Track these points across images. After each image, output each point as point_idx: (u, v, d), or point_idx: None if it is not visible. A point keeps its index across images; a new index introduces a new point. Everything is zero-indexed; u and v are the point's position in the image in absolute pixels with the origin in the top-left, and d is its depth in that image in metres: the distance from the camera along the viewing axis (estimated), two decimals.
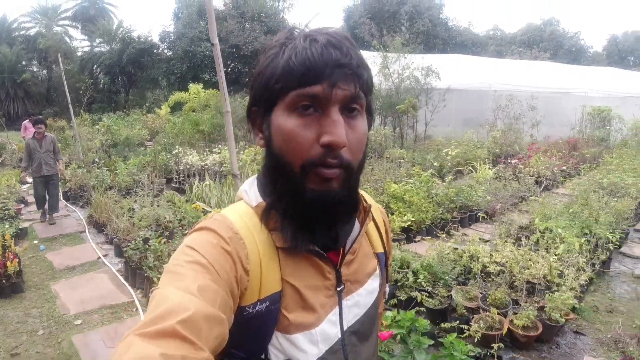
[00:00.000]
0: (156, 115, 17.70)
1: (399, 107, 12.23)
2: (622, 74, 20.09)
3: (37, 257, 5.67)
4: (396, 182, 7.22)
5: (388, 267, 1.07)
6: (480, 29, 49.90)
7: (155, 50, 25.88)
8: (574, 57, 37.59)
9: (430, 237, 5.08)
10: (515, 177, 8.36)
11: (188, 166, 8.89)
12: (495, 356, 3.07)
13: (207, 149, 9.81)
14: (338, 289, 0.87)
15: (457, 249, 4.63)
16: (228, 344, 0.69)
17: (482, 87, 14.24)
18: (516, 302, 3.81)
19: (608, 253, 5.12)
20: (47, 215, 7.06)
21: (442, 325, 3.27)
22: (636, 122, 13.03)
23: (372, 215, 0.98)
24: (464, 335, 3.23)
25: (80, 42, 32.11)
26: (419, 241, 5.17)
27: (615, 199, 6.67)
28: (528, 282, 4.08)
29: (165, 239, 4.66)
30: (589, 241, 5.05)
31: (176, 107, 14.80)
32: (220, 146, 9.91)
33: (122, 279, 4.82)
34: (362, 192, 0.91)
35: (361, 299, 0.92)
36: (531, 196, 7.09)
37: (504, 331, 3.31)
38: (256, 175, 0.90)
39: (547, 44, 38.49)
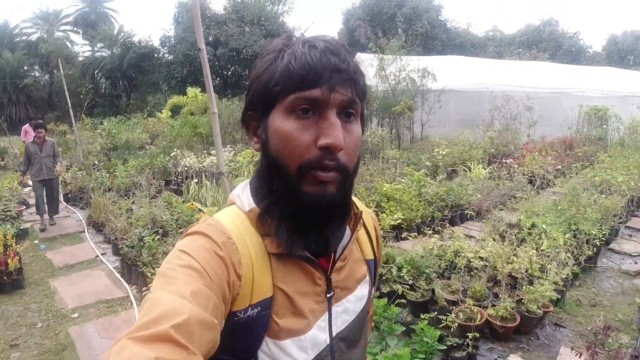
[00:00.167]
0: (157, 119, 17.89)
1: (395, 109, 12.37)
2: (620, 74, 20.14)
3: (37, 255, 5.85)
4: (389, 181, 7.37)
5: (377, 273, 1.07)
6: (479, 30, 50.12)
7: (155, 55, 26.11)
8: (573, 57, 37.63)
9: (419, 235, 5.21)
10: (510, 176, 8.47)
11: (186, 168, 9.06)
12: (471, 345, 3.20)
13: (204, 151, 9.98)
14: (328, 295, 0.87)
15: (442, 245, 4.77)
16: (217, 348, 0.70)
17: (480, 88, 14.36)
18: (497, 295, 3.94)
19: (594, 249, 5.21)
20: (48, 217, 7.13)
21: (422, 316, 3.40)
22: (633, 121, 13.13)
23: (363, 222, 0.99)
24: (441, 325, 3.36)
25: (81, 47, 32.61)
26: (405, 238, 5.30)
27: (603, 196, 6.77)
28: (511, 276, 4.22)
29: (159, 237, 4.83)
30: (576, 237, 5.15)
31: (177, 111, 15.00)
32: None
33: (118, 275, 5.00)
34: (353, 198, 0.92)
35: (350, 305, 0.93)
36: (523, 194, 7.20)
37: (478, 321, 3.44)
38: (248, 180, 0.90)
39: (546, 44, 38.57)
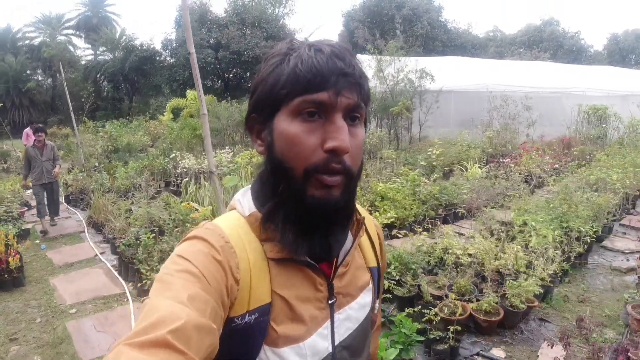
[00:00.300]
0: (158, 122, 18.04)
1: (393, 110, 12.47)
2: (621, 73, 20.11)
3: (38, 255, 6.01)
4: (385, 181, 7.48)
5: (380, 282, 1.07)
6: (480, 30, 50.09)
7: (157, 58, 26.26)
8: (574, 56, 37.56)
9: (410, 233, 5.32)
10: (506, 175, 8.54)
11: (185, 169, 9.19)
12: (451, 338, 3.30)
13: (203, 153, 10.10)
14: (330, 302, 0.86)
15: (433, 243, 4.87)
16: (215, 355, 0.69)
17: (480, 88, 14.37)
18: (482, 291, 4.03)
19: (585, 246, 5.26)
20: (49, 219, 7.21)
21: (407, 310, 3.51)
22: (633, 120, 13.13)
23: (366, 229, 0.99)
24: (425, 319, 3.47)
25: (83, 51, 32.72)
26: (395, 235, 5.40)
27: (596, 193, 6.83)
28: (498, 272, 4.32)
29: (154, 235, 4.96)
30: (567, 234, 5.22)
31: (178, 113, 15.11)
32: (217, 150, 10.20)
33: (115, 273, 5.15)
34: (356, 205, 0.90)
35: (353, 312, 0.92)
36: (515, 193, 7.29)
37: (461, 315, 3.54)
38: (249, 185, 0.90)
39: (547, 44, 38.47)
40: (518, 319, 3.87)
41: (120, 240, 5.34)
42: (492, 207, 6.24)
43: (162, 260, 4.45)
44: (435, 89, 13.31)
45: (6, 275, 4.83)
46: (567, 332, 3.80)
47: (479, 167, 9.68)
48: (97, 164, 10.41)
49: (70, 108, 10.32)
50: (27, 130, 10.99)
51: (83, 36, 33.52)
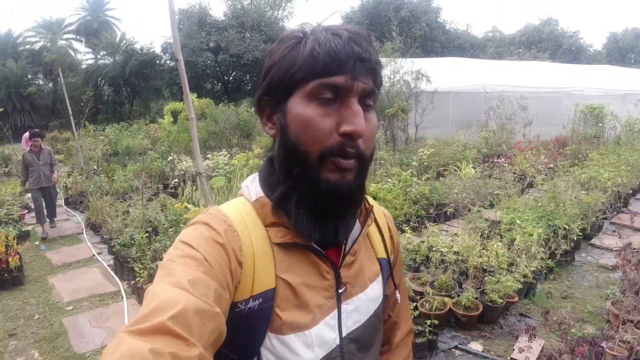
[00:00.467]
0: (158, 125, 18.17)
1: (389, 111, 12.59)
2: (619, 72, 20.16)
3: (37, 255, 6.20)
4: (377, 182, 7.61)
5: (394, 274, 1.04)
6: (478, 31, 50.17)
7: (157, 61, 26.40)
8: (573, 56, 37.64)
9: (399, 232, 5.46)
10: (500, 175, 8.60)
11: (182, 172, 9.34)
12: (428, 332, 3.42)
13: (201, 155, 10.23)
14: (338, 291, 0.85)
15: (420, 241, 5.01)
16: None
17: (477, 89, 14.46)
18: (462, 286, 4.18)
19: (572, 243, 5.37)
20: (48, 221, 7.31)
21: None
22: (629, 118, 13.21)
23: (375, 219, 0.98)
24: None
25: (84, 55, 32.91)
26: None
27: (584, 192, 6.93)
28: (483, 269, 4.45)
29: (147, 235, 5.13)
30: (555, 232, 5.31)
31: (178, 117, 15.29)
32: (214, 153, 10.36)
33: (111, 272, 5.34)
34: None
35: (362, 304, 0.90)
36: (501, 192, 7.40)
37: (441, 310, 3.68)
38: (257, 173, 0.90)
39: (546, 43, 38.57)
40: (497, 314, 3.98)
41: (116, 241, 5.50)
42: (481, 206, 6.37)
43: (155, 259, 4.62)
44: (431, 90, 13.42)
45: (6, 275, 5.01)
46: (548, 328, 3.95)
47: (473, 167, 9.78)
48: (96, 167, 10.56)
49: (70, 112, 10.47)
50: (26, 135, 11.14)
51: (83, 40, 33.74)
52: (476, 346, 3.65)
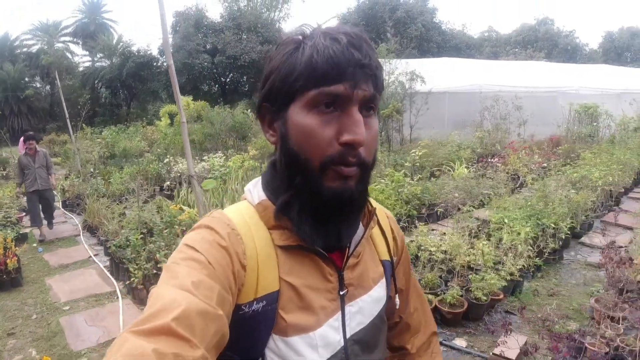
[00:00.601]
0: (156, 127, 18.24)
1: (383, 112, 12.68)
2: (615, 71, 20.26)
3: (35, 257, 6.31)
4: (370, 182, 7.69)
5: (396, 275, 1.03)
6: (474, 31, 50.29)
7: (154, 64, 26.48)
8: (569, 55, 37.81)
9: None
10: (494, 174, 8.66)
11: (179, 174, 9.44)
12: None
13: (197, 157, 10.35)
14: (341, 293, 0.85)
15: (410, 240, 5.11)
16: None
17: (473, 89, 14.52)
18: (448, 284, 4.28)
19: (560, 242, 5.46)
20: (46, 225, 7.31)
21: None
22: (624, 117, 13.31)
23: (378, 220, 0.98)
24: None
25: (81, 58, 32.97)
26: None
27: (574, 191, 7.02)
28: (470, 267, 4.56)
29: (142, 236, 5.25)
30: (544, 231, 5.40)
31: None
32: (210, 155, 10.45)
33: (107, 273, 5.45)
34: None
35: (366, 305, 0.90)
36: (492, 191, 7.50)
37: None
38: (260, 176, 0.91)
39: (542, 43, 38.72)
40: (482, 311, 4.07)
41: (112, 243, 5.61)
42: (471, 206, 6.47)
43: (149, 260, 4.73)
44: (426, 91, 13.51)
45: (4, 276, 5.12)
46: (532, 325, 4.05)
47: (467, 167, 9.87)
48: (92, 170, 10.67)
49: (67, 115, 10.55)
50: (23, 138, 11.21)
51: (80, 43, 33.81)
52: (460, 342, 3.75)
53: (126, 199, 7.91)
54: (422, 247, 4.77)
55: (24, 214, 8.36)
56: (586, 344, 3.26)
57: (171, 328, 0.60)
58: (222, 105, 13.97)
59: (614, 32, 43.58)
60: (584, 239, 6.27)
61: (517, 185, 8.67)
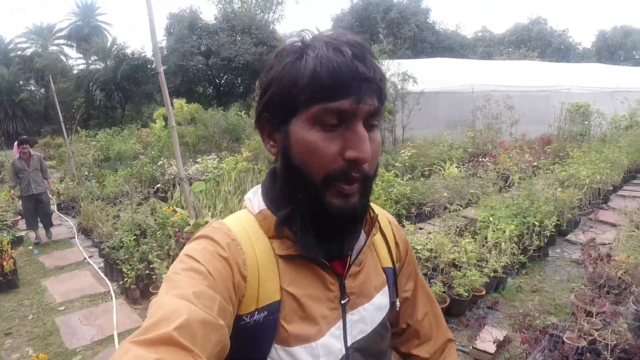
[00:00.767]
0: (150, 130, 18.27)
1: None
2: (607, 69, 20.41)
3: (31, 260, 6.44)
4: None
5: (398, 280, 1.02)
6: (468, 31, 50.54)
7: (149, 66, 26.45)
8: (562, 54, 38.09)
9: None
10: (485, 174, 8.82)
11: (172, 176, 9.53)
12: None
13: (190, 160, 10.46)
14: (342, 302, 0.85)
15: None
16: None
17: (465, 89, 14.60)
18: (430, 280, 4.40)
19: (545, 239, 5.56)
20: (44, 231, 7.29)
21: None
22: (615, 116, 13.42)
23: (380, 227, 0.97)
24: None
25: (75, 61, 33.08)
26: None
27: (560, 189, 7.14)
28: (454, 265, 4.69)
29: (136, 237, 5.37)
30: (529, 228, 5.51)
31: None
32: (204, 157, 10.56)
33: (102, 274, 5.58)
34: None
35: (368, 314, 0.89)
36: (479, 191, 7.62)
37: None
38: (260, 184, 0.90)
39: (535, 42, 38.97)
40: (464, 306, 4.18)
41: (106, 244, 5.73)
42: (458, 205, 6.60)
43: (142, 261, 4.85)
44: (418, 91, 13.61)
45: (1, 278, 5.25)
46: (513, 319, 4.17)
47: (457, 166, 9.98)
48: (87, 173, 10.76)
49: (61, 119, 10.60)
50: (17, 142, 11.23)
51: (75, 46, 33.88)
52: None
53: (120, 201, 8.02)
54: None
55: (20, 217, 8.46)
56: (564, 338, 3.38)
57: (173, 338, 0.60)
58: (215, 108, 14.07)
59: (607, 31, 43.85)
60: (570, 236, 6.37)
61: (507, 184, 8.74)
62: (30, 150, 7.24)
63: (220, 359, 0.68)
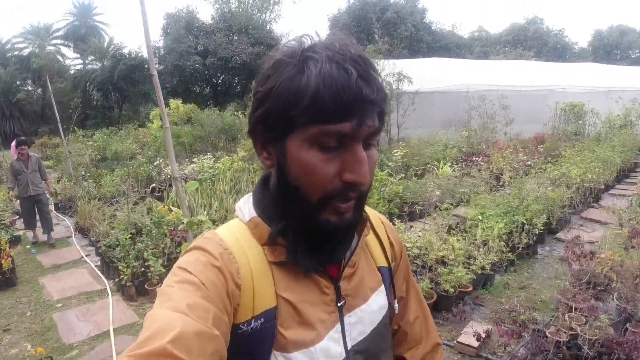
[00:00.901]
0: (147, 130, 18.32)
1: None
2: (603, 69, 20.44)
3: (28, 258, 6.55)
4: None
5: (395, 281, 1.02)
6: (464, 30, 50.62)
7: (145, 66, 26.45)
8: (559, 54, 38.21)
9: None
10: (479, 173, 8.90)
11: (169, 176, 9.62)
12: None
13: (187, 159, 10.55)
14: (338, 305, 0.85)
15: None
16: None
17: (461, 89, 14.69)
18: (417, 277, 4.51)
19: (534, 237, 5.67)
20: (46, 234, 7.23)
21: None
22: (610, 115, 13.50)
23: (373, 227, 0.97)
24: None
25: (72, 61, 33.22)
26: None
27: (550, 188, 7.25)
28: (443, 262, 4.80)
29: (131, 236, 5.49)
30: (520, 226, 5.63)
31: None
32: (200, 156, 10.66)
33: (98, 271, 5.70)
34: None
35: (366, 315, 0.89)
36: (468, 190, 7.72)
37: None
38: (251, 193, 0.89)
39: (532, 42, 39.13)
40: (451, 302, 4.27)
41: (103, 243, 5.83)
42: (449, 204, 6.70)
43: (137, 259, 4.97)
44: (413, 91, 13.68)
45: (0, 276, 5.35)
46: (498, 315, 4.27)
47: (450, 166, 10.08)
48: (84, 173, 10.85)
49: (58, 119, 10.67)
50: (13, 143, 11.25)
51: (72, 46, 33.92)
52: None
53: (117, 201, 8.13)
54: None
55: (17, 217, 8.54)
56: (547, 333, 3.49)
57: (168, 350, 0.59)
58: (212, 108, 14.17)
59: (603, 30, 44.08)
60: (559, 234, 6.46)
61: (500, 184, 8.82)
62: (29, 151, 7.23)
63: None
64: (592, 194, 8.02)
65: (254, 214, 0.84)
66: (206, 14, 60.75)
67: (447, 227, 5.69)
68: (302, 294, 0.81)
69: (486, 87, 14.37)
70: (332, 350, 0.82)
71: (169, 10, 31.84)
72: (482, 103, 13.68)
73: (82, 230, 7.42)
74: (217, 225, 5.79)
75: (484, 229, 5.47)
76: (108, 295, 4.96)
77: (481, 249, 5.01)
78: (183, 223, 3.62)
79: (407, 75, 13.65)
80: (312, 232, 0.77)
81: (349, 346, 0.85)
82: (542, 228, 5.91)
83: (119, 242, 5.31)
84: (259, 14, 30.96)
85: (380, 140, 14.01)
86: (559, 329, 3.39)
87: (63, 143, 11.40)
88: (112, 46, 27.70)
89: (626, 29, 42.52)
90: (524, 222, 5.76)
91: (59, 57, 31.05)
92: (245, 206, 0.86)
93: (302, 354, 0.79)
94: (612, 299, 3.95)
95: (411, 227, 6.38)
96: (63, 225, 8.27)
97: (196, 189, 8.20)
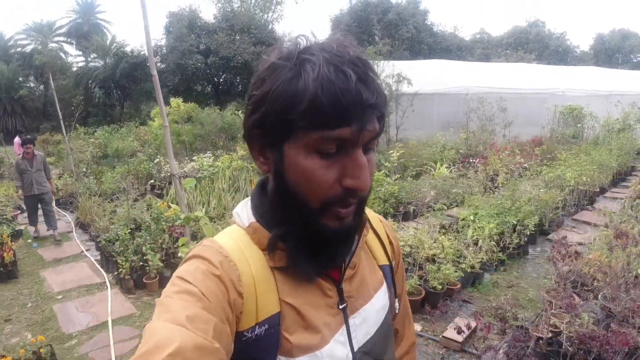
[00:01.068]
0: (149, 128, 18.43)
1: None
2: (603, 73, 20.48)
3: (30, 252, 6.70)
4: None
5: (395, 281, 1.02)
6: (466, 33, 50.63)
7: (147, 64, 26.51)
8: (560, 57, 38.19)
9: None
10: (475, 174, 9.03)
11: (168, 173, 9.75)
12: None
13: (187, 157, 10.67)
14: (341, 307, 0.84)
15: None
16: None
17: (460, 91, 14.70)
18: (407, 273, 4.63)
19: (525, 238, 5.79)
20: (51, 230, 7.22)
21: None
22: (609, 119, 13.58)
23: (372, 226, 0.96)
24: None
25: (75, 58, 33.17)
26: None
27: (543, 190, 7.37)
28: (433, 260, 4.92)
29: (130, 231, 5.63)
30: (511, 227, 5.75)
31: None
32: (200, 155, 10.77)
33: (98, 265, 5.86)
34: None
35: (370, 315, 0.89)
36: (461, 191, 7.83)
37: None
38: (249, 198, 0.88)
39: (533, 45, 39.09)
40: (439, 299, 4.39)
41: (103, 238, 5.97)
42: (443, 204, 6.81)
43: (136, 253, 5.12)
44: (412, 93, 13.75)
45: (1, 269, 5.51)
46: (485, 312, 4.39)
47: (447, 167, 10.18)
48: (85, 170, 10.99)
49: (60, 116, 10.77)
50: (17, 140, 11.32)
51: (74, 43, 34.08)
52: (415, 327, 4.08)
53: (117, 197, 8.27)
54: None
55: (19, 211, 8.68)
56: (531, 330, 3.61)
57: None
58: (212, 107, 14.28)
59: (605, 34, 43.91)
60: (551, 235, 6.54)
61: (495, 185, 8.92)
62: (34, 150, 7.21)
63: None
64: (587, 197, 8.12)
65: (252, 219, 0.83)
66: (209, 13, 60.91)
67: (439, 227, 5.81)
68: (305, 298, 0.80)
69: (486, 90, 14.43)
70: (338, 353, 0.82)
71: (171, 9, 31.97)
72: (481, 105, 13.73)
73: (82, 226, 7.57)
74: (215, 222, 5.93)
75: (475, 229, 5.58)
76: (107, 288, 5.11)
77: (471, 248, 5.13)
78: (180, 219, 3.74)
79: (406, 76, 13.73)
80: (312, 238, 0.76)
81: (356, 348, 0.85)
82: (533, 229, 6.01)
83: (119, 237, 5.45)
84: (261, 13, 31.05)
85: (379, 141, 14.09)
86: (539, 325, 3.51)
87: (65, 140, 11.51)
88: (115, 44, 27.76)
89: (628, 33, 42.50)
90: (515, 222, 5.86)
91: (62, 54, 31.18)
92: (243, 212, 0.85)
93: (308, 358, 0.78)
94: (597, 298, 4.06)
95: (404, 226, 6.49)
96: (64, 220, 8.39)
97: (195, 186, 8.36)
